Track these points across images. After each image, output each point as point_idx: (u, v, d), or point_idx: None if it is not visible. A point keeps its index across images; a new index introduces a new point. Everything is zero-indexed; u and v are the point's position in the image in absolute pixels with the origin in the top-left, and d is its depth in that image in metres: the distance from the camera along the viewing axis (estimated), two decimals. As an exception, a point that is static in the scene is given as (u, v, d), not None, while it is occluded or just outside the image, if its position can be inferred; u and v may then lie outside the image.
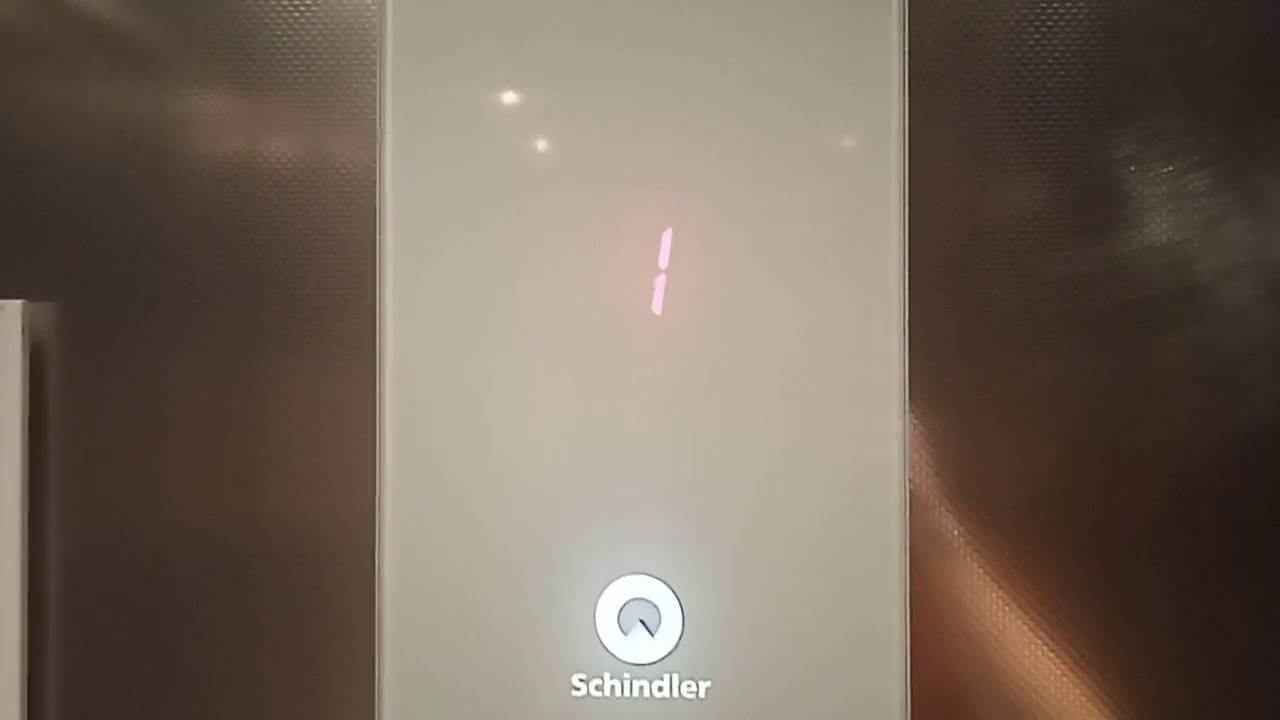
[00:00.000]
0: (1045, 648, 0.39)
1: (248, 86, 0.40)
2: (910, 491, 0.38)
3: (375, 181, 0.30)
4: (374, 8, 0.31)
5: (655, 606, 0.30)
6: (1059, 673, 0.39)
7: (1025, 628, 0.39)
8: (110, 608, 0.40)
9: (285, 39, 0.40)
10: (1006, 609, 0.39)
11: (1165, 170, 0.38)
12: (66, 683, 0.40)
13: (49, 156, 0.40)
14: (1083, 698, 0.39)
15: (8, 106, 0.40)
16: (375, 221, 0.30)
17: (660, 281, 0.30)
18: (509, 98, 0.31)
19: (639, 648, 0.30)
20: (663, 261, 0.30)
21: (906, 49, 0.30)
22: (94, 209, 0.40)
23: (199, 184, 0.40)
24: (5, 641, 0.39)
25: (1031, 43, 0.39)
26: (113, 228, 0.40)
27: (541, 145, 0.31)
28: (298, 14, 0.40)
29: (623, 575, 0.30)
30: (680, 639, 0.30)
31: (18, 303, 0.39)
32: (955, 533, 0.39)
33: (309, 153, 0.40)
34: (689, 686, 0.30)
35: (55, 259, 0.40)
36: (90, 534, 0.40)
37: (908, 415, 0.30)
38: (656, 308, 0.30)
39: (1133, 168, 0.38)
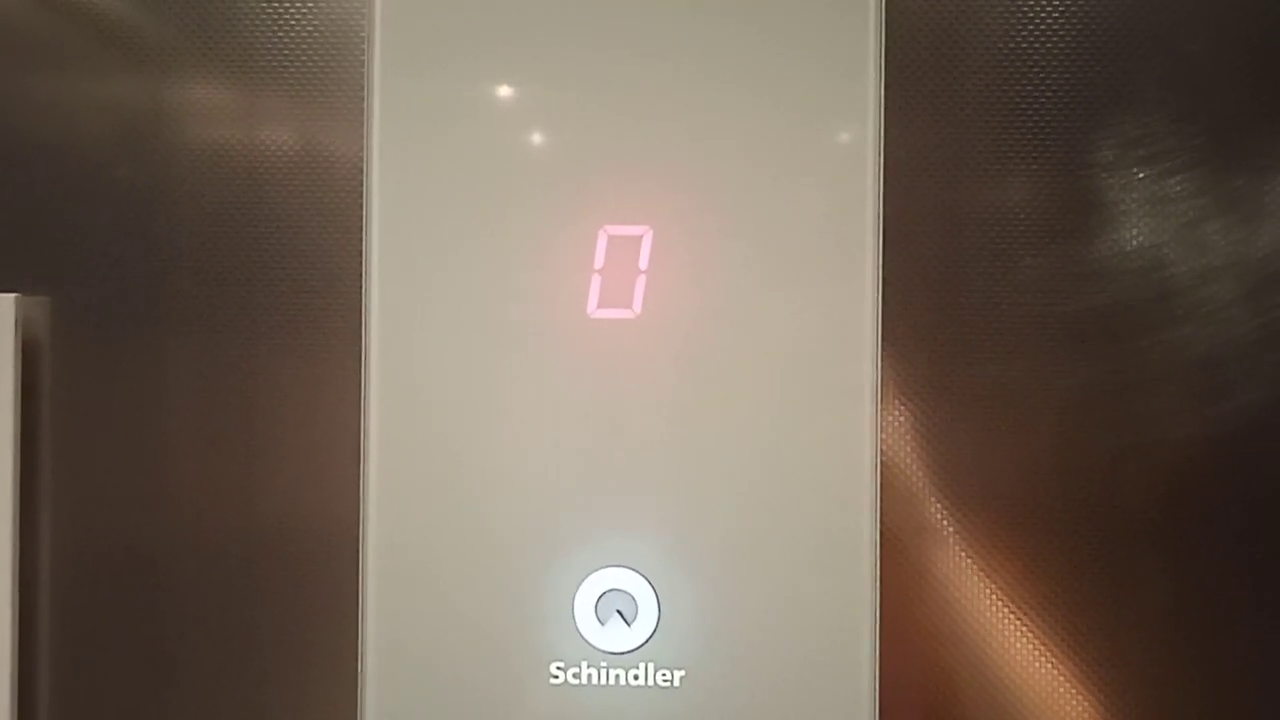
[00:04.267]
0: (1030, 637, 0.39)
1: (241, 80, 0.40)
2: (896, 482, 0.39)
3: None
4: (365, 2, 0.32)
5: (632, 597, 0.31)
6: (1043, 662, 0.39)
7: (1010, 617, 0.39)
8: (103, 602, 0.40)
9: (278, 31, 0.40)
10: (992, 599, 0.39)
11: (1148, 172, 0.39)
12: (58, 675, 0.40)
13: (42, 150, 0.41)
14: (1067, 687, 0.39)
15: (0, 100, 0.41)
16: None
17: (640, 281, 0.31)
18: (496, 94, 0.31)
19: (616, 637, 0.31)
20: (642, 262, 0.31)
21: (884, 47, 0.31)
22: (87, 202, 0.40)
23: (192, 178, 0.40)
24: (-4, 630, 0.39)
25: (1014, 44, 0.39)
26: (106, 221, 0.40)
27: (523, 141, 0.31)
28: (290, 6, 0.40)
29: (601, 567, 0.31)
30: (655, 629, 0.31)
31: (11, 296, 0.39)
32: (943, 524, 0.39)
33: (304, 146, 0.40)
34: (664, 675, 0.31)
35: (48, 252, 0.40)
36: (83, 528, 0.40)
37: (879, 411, 0.31)
38: (636, 307, 0.31)
39: (1109, 171, 0.39)
